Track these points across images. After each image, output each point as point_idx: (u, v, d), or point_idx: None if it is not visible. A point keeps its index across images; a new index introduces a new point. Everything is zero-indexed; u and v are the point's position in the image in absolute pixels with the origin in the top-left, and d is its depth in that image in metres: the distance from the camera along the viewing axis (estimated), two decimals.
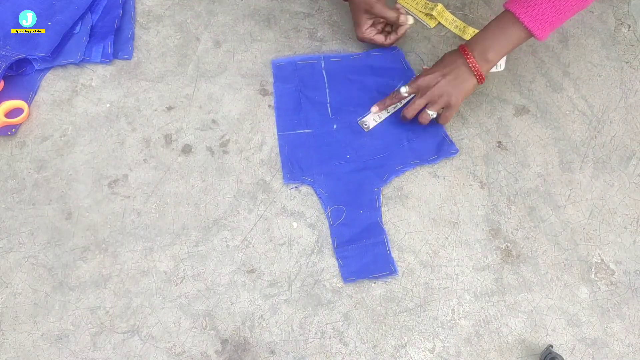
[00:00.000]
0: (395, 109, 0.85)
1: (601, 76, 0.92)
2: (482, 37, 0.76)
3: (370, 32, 0.86)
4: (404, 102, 0.84)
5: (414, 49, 0.91)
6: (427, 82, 0.77)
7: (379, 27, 0.87)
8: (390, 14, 0.83)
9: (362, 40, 0.87)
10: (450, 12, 0.96)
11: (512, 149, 0.84)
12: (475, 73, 0.76)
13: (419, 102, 0.78)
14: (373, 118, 0.83)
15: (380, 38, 0.86)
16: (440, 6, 0.93)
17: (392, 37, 0.87)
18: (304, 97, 0.85)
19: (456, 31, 0.93)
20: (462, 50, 0.76)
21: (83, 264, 0.73)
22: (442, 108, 0.79)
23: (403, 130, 0.83)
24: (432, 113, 0.78)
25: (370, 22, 0.85)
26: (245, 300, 0.72)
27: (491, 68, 0.77)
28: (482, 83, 0.77)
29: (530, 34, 0.73)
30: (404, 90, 0.79)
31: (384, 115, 0.84)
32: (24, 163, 0.78)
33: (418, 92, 0.78)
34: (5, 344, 0.68)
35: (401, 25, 0.86)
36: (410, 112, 0.79)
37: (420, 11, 0.94)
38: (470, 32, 0.92)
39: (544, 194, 0.81)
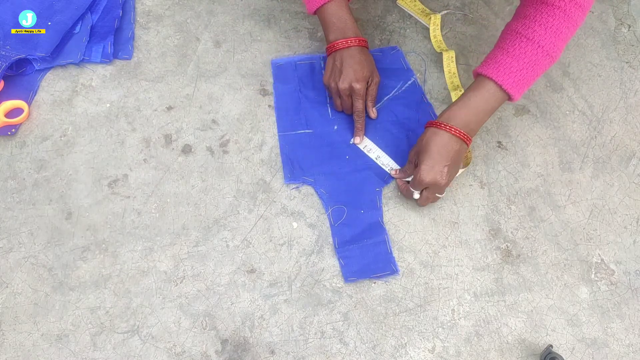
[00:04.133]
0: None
1: (601, 76, 0.92)
2: (464, 111, 0.72)
3: (332, 84, 0.80)
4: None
5: (414, 49, 0.91)
6: (434, 179, 0.71)
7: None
8: (357, 106, 0.79)
9: (324, 83, 0.82)
10: (450, 12, 0.96)
11: (512, 149, 0.84)
12: (469, 143, 0.73)
13: (428, 196, 0.74)
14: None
15: (337, 101, 0.82)
16: (438, 17, 0.93)
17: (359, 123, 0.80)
18: (303, 97, 0.85)
19: (435, 43, 0.91)
20: (452, 131, 0.71)
21: (83, 264, 0.73)
22: None
23: (403, 130, 0.83)
24: (442, 196, 0.76)
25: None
26: (245, 300, 0.72)
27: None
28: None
29: (507, 98, 0.72)
30: (416, 195, 0.74)
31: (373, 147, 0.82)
32: (24, 163, 0.78)
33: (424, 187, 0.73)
34: (5, 344, 0.68)
35: (356, 125, 0.81)
36: (424, 202, 0.75)
37: (419, 13, 0.94)
38: (449, 56, 0.89)
39: (544, 194, 0.81)
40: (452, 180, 0.75)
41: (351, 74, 0.77)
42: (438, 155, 0.71)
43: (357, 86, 0.77)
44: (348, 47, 0.78)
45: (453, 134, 0.71)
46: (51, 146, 0.80)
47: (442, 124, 0.72)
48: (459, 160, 0.74)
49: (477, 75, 0.73)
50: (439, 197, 0.76)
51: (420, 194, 0.74)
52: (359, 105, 0.79)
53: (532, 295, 0.74)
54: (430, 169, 0.71)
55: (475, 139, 0.84)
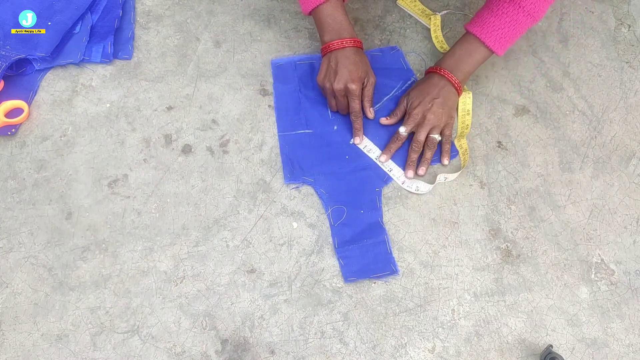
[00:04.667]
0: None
1: (601, 76, 0.92)
2: (450, 59, 0.81)
3: (327, 85, 0.80)
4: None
5: (414, 49, 0.91)
6: (422, 111, 0.79)
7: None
8: (354, 106, 0.79)
9: (319, 84, 0.81)
10: (450, 12, 0.96)
11: (512, 149, 0.84)
12: (456, 88, 0.80)
13: (422, 132, 0.79)
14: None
15: (332, 102, 0.82)
16: (438, 17, 0.93)
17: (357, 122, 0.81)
18: (303, 97, 0.85)
19: (437, 43, 0.91)
20: (439, 71, 0.81)
21: (83, 264, 0.73)
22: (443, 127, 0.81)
23: None
24: (437, 136, 0.79)
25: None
26: (245, 300, 0.72)
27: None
28: (460, 95, 0.82)
29: (491, 53, 0.79)
30: (403, 130, 0.80)
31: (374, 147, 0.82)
32: (24, 163, 0.78)
33: (416, 125, 0.80)
34: (5, 344, 0.68)
35: (354, 126, 0.81)
36: (417, 146, 0.79)
37: (419, 13, 0.94)
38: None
39: (544, 194, 0.81)
40: (449, 124, 0.81)
41: (346, 74, 0.77)
42: (425, 90, 0.80)
43: (353, 87, 0.77)
44: (343, 47, 0.78)
45: (437, 73, 0.81)
46: (51, 146, 0.80)
47: (429, 68, 0.83)
48: (448, 99, 0.80)
49: (466, 30, 0.81)
50: (436, 140, 0.79)
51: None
52: (355, 105, 0.79)
53: (532, 295, 0.74)
54: (420, 102, 0.79)
55: (475, 139, 0.84)
